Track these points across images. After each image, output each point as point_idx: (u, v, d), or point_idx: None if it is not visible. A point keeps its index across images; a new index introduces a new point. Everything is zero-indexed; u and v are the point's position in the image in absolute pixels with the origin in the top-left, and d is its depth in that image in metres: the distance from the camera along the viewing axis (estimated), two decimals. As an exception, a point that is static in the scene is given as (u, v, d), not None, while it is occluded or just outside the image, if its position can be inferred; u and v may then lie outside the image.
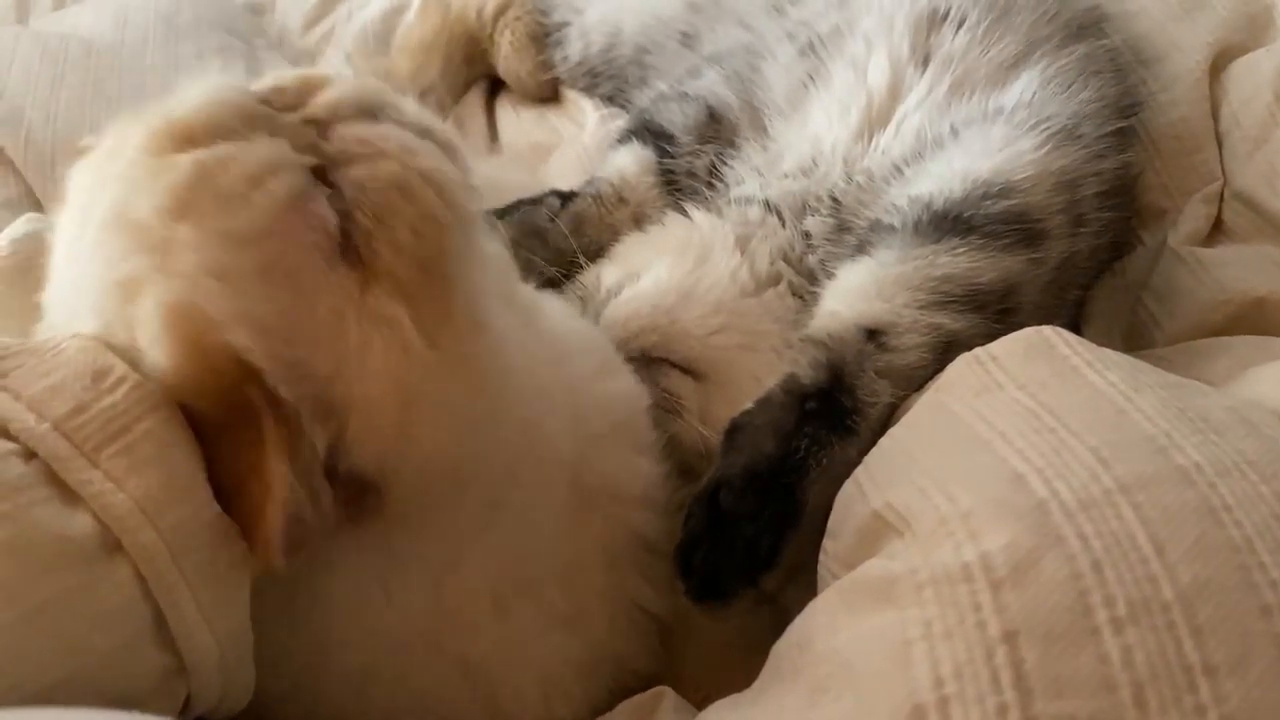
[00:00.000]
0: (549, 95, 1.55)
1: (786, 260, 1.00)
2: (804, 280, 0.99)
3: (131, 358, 0.62)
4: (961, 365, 0.70)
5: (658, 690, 0.73)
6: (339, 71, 0.74)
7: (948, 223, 0.85)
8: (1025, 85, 0.96)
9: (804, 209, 1.01)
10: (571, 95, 1.50)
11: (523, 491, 0.71)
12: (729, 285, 0.97)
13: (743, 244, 1.00)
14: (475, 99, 1.63)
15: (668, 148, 1.11)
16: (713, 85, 1.13)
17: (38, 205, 1.25)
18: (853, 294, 0.85)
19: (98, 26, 1.54)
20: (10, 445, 0.58)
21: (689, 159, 1.10)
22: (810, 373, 0.81)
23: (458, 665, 0.73)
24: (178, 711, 0.61)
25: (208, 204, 0.61)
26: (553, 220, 1.09)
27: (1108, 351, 0.68)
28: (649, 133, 1.14)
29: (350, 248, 0.62)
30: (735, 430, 0.81)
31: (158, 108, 0.70)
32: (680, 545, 0.77)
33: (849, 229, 0.97)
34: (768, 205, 1.02)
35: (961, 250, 0.83)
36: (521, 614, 0.73)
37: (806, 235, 1.01)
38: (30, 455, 0.58)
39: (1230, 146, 1.05)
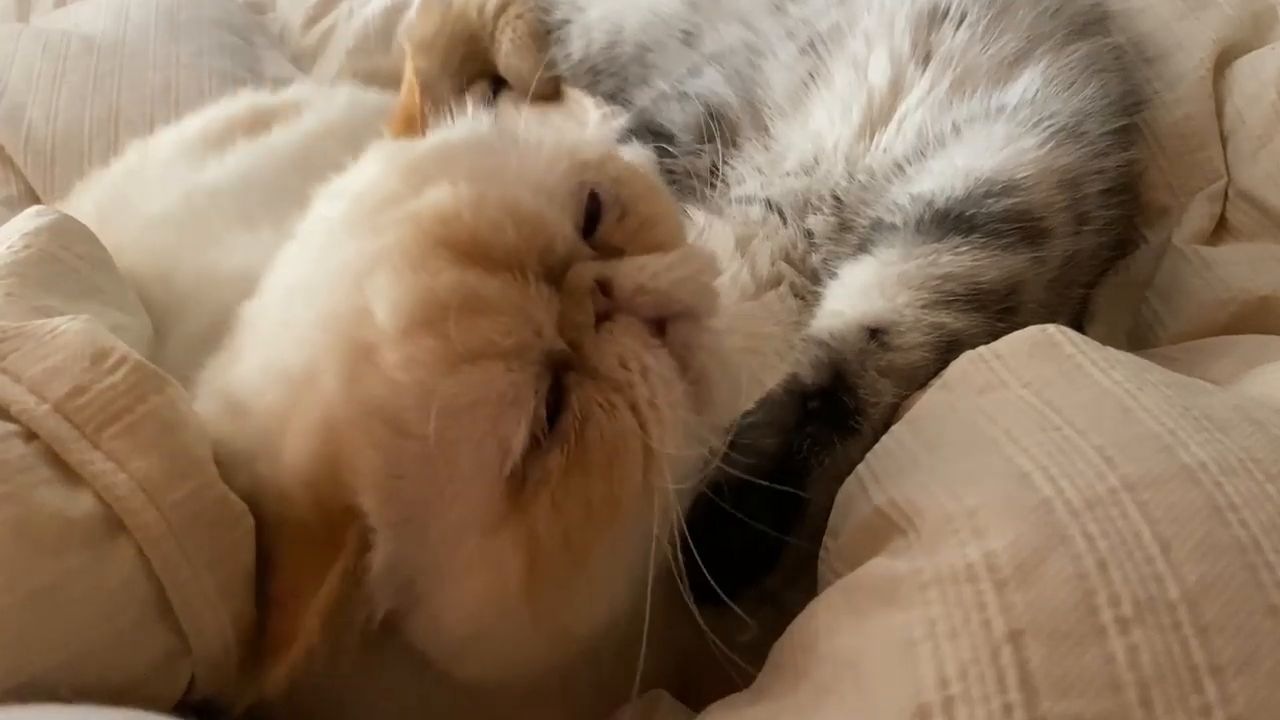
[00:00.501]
0: (550, 93, 1.55)
1: (788, 260, 1.00)
2: (806, 280, 0.99)
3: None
4: (965, 363, 0.69)
5: (653, 694, 0.73)
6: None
7: (950, 221, 0.84)
8: (1028, 83, 0.96)
9: (806, 207, 1.01)
10: (573, 93, 1.50)
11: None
12: (730, 289, 0.97)
13: (743, 245, 1.00)
14: (477, 98, 1.63)
15: (668, 147, 1.11)
16: (713, 84, 1.12)
17: (37, 203, 1.25)
18: (855, 293, 0.85)
19: (99, 24, 1.54)
20: (11, 427, 0.58)
21: (689, 158, 1.10)
22: (812, 372, 0.81)
23: None
24: (181, 692, 0.61)
25: (433, 345, 0.59)
26: None
27: (1112, 350, 0.67)
28: (649, 132, 1.14)
29: (520, 468, 0.61)
30: (737, 430, 0.80)
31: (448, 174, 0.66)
32: (681, 546, 0.77)
33: (851, 228, 0.97)
34: (769, 204, 1.02)
35: (964, 249, 0.83)
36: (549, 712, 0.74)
37: (809, 234, 1.00)
38: (31, 436, 0.58)
39: (1235, 145, 1.05)
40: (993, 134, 0.90)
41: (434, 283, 0.60)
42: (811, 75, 1.06)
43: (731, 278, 0.97)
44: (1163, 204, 1.06)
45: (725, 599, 0.76)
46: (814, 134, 1.02)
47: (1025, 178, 0.86)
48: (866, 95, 1.00)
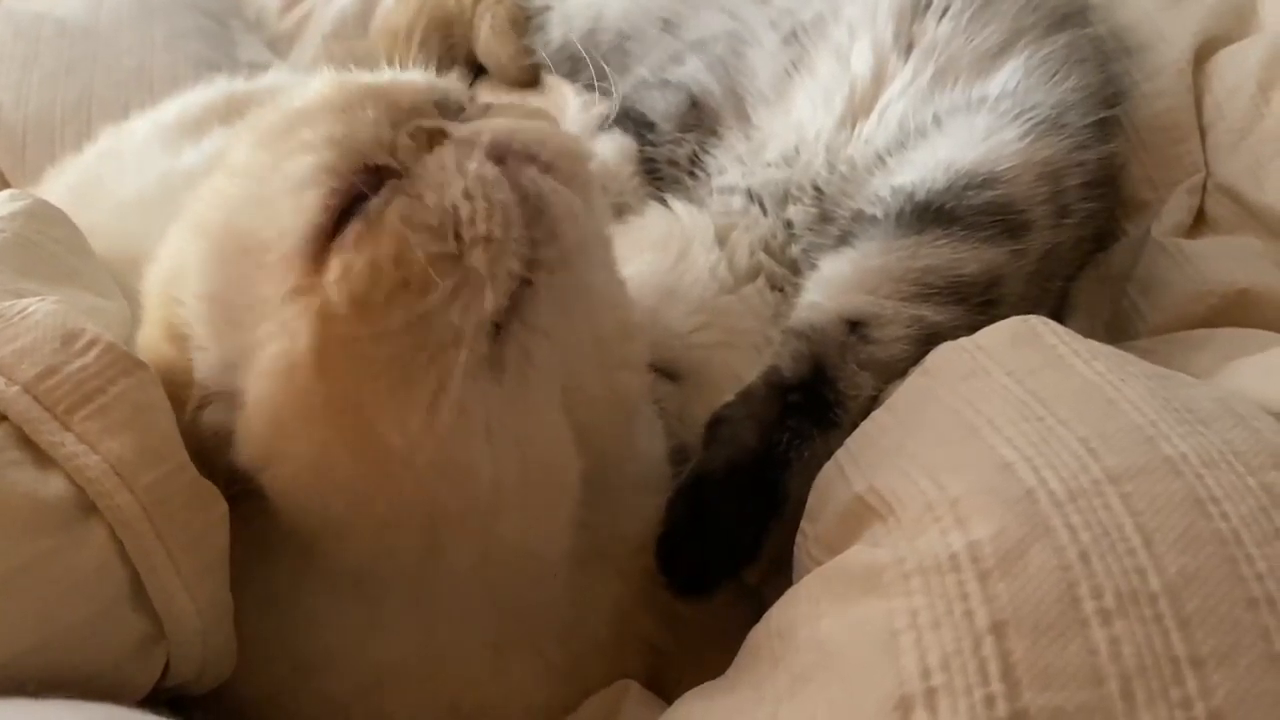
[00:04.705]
0: (529, 80, 1.54)
1: (768, 251, 1.00)
2: (786, 271, 0.99)
3: None
4: (947, 351, 0.69)
5: (621, 684, 0.72)
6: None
7: (930, 213, 0.84)
8: (1009, 74, 0.95)
9: (786, 198, 1.00)
10: (552, 81, 1.49)
11: (510, 551, 0.66)
12: (709, 282, 0.96)
13: (722, 236, 1.00)
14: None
15: (649, 135, 1.10)
16: (695, 72, 1.12)
17: (8, 187, 1.23)
18: (834, 285, 0.84)
19: (72, 6, 1.52)
20: None
21: (670, 147, 1.09)
22: (792, 365, 0.80)
23: (448, 710, 0.71)
24: (155, 679, 0.61)
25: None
26: None
27: (1094, 342, 0.67)
28: (630, 120, 1.13)
29: (326, 246, 0.60)
30: (717, 423, 0.80)
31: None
32: (662, 538, 0.76)
33: (832, 218, 0.96)
34: (750, 194, 1.02)
35: (944, 242, 0.83)
36: (521, 667, 0.72)
37: (789, 224, 1.00)
38: (0, 418, 0.57)
39: (1214, 138, 1.05)
40: (974, 125, 0.90)
41: (281, 119, 0.65)
42: (794, 64, 1.05)
43: (710, 270, 0.97)
44: (1142, 197, 1.06)
45: (705, 590, 0.76)
46: (796, 123, 1.02)
47: (1006, 170, 0.86)
48: (849, 85, 1.00)
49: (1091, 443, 0.57)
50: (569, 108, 1.38)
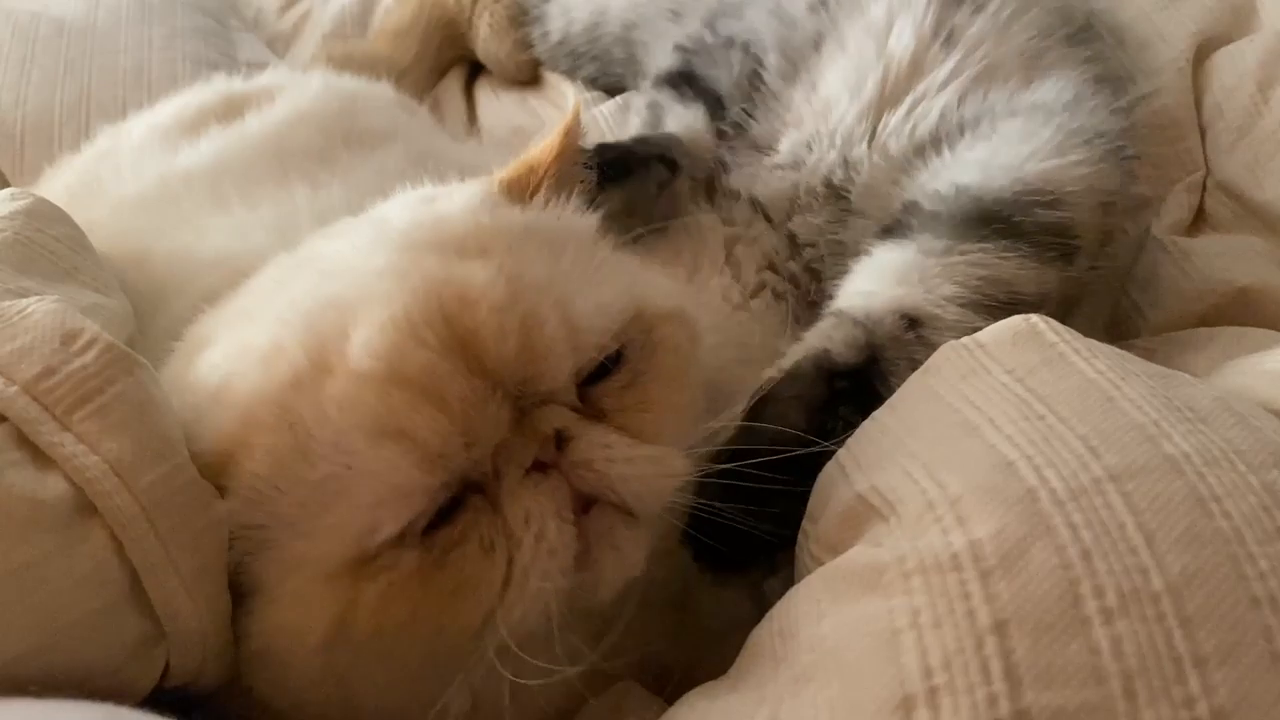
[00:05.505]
0: (529, 78, 1.54)
1: (771, 267, 0.99)
2: (788, 285, 0.98)
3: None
4: (948, 351, 0.69)
5: (622, 685, 0.72)
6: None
7: (996, 221, 0.83)
8: (1059, 86, 0.94)
9: (793, 207, 0.99)
10: (552, 78, 1.49)
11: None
12: (721, 304, 0.96)
13: (729, 246, 0.98)
14: (454, 82, 1.62)
15: (717, 111, 1.06)
16: (756, 25, 1.06)
17: (6, 186, 1.23)
18: (890, 275, 0.83)
19: (70, 6, 1.52)
20: None
21: (737, 132, 1.04)
22: (844, 350, 0.79)
23: None
24: (156, 679, 0.60)
25: (374, 406, 0.61)
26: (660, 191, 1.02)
27: (1094, 341, 0.67)
28: (694, 90, 1.07)
29: (377, 549, 0.61)
30: (763, 402, 0.79)
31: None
32: (695, 518, 0.76)
33: (861, 212, 0.95)
34: (754, 204, 1.00)
35: (1011, 256, 0.82)
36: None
37: (792, 236, 0.99)
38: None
39: (1213, 136, 1.06)
40: (1038, 135, 0.88)
41: (413, 352, 0.61)
42: (822, 35, 1.03)
43: (723, 292, 0.97)
44: (1142, 195, 1.06)
45: (742, 569, 0.75)
46: (823, 102, 0.99)
47: (1072, 193, 0.85)
48: (884, 68, 0.98)
49: (1092, 441, 0.56)
50: (569, 106, 1.38)
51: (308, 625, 0.61)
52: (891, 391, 0.75)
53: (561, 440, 0.64)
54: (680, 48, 1.13)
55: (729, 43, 1.08)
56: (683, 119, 1.06)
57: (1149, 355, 0.72)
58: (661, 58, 1.17)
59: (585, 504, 0.64)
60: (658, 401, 0.69)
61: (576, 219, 0.77)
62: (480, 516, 0.62)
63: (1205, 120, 1.07)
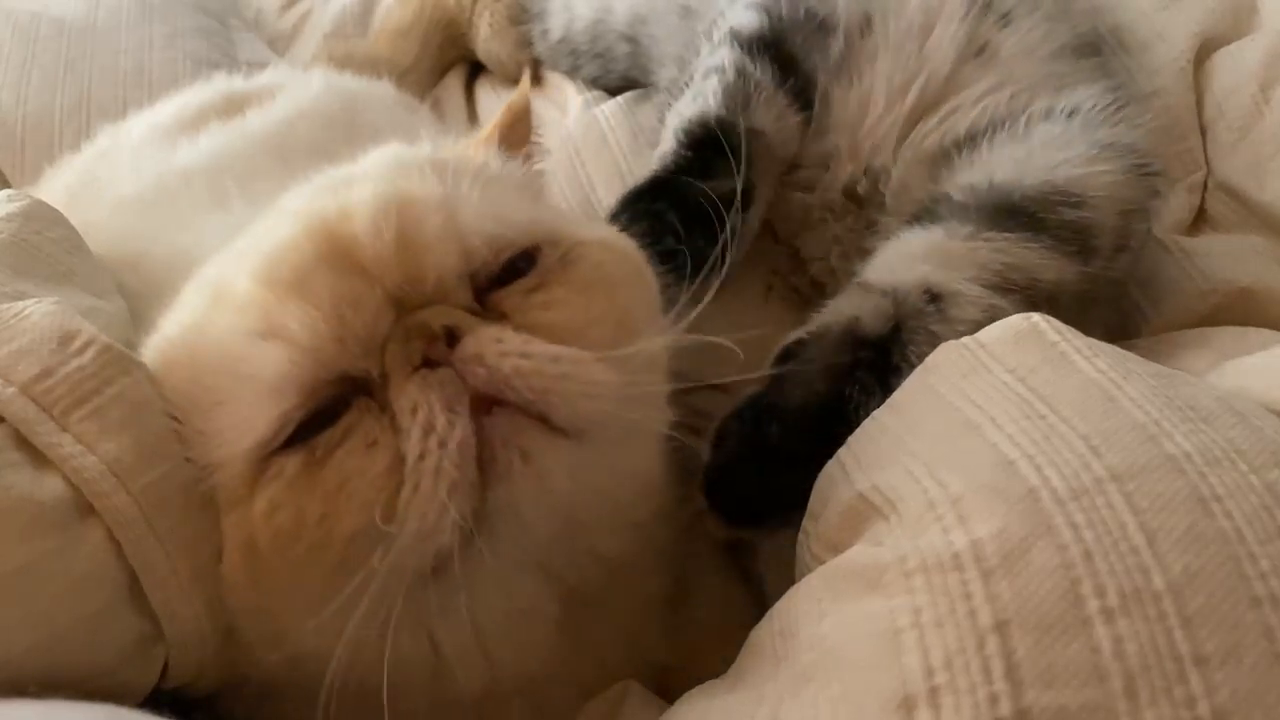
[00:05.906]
0: (530, 78, 1.54)
1: (775, 272, 1.00)
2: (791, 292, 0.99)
3: None
4: (949, 349, 0.69)
5: (622, 685, 0.72)
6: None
7: (1021, 215, 0.85)
8: (1090, 95, 0.94)
9: (805, 223, 1.00)
10: (553, 78, 1.48)
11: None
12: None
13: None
14: (454, 82, 1.62)
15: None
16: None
17: (7, 187, 1.23)
18: (916, 254, 0.85)
19: (70, 5, 1.51)
20: None
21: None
22: (873, 320, 0.81)
23: None
24: (155, 679, 0.61)
25: (256, 311, 0.62)
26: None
27: (1095, 340, 0.67)
28: (770, 56, 0.98)
29: (263, 460, 0.60)
30: (787, 357, 0.80)
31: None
32: (711, 468, 0.75)
33: (891, 211, 0.95)
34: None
35: (1034, 245, 0.84)
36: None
37: (795, 251, 1.00)
38: None
39: (1214, 136, 1.06)
40: (1071, 142, 0.90)
41: (287, 258, 0.62)
42: (867, 26, 1.00)
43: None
44: (1159, 206, 1.06)
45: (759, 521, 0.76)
46: (860, 102, 0.98)
47: (1096, 198, 0.87)
48: (925, 77, 0.97)
49: (1094, 441, 0.56)
50: (570, 105, 1.38)
51: (230, 559, 0.61)
52: (905, 362, 0.77)
53: (453, 339, 0.60)
54: (761, 6, 1.02)
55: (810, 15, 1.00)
56: (775, 105, 0.97)
57: (1151, 355, 0.72)
58: (734, 13, 1.04)
59: (487, 405, 0.59)
60: (565, 303, 0.65)
61: (506, 165, 0.78)
62: (365, 416, 0.60)
63: (1206, 120, 1.07)
